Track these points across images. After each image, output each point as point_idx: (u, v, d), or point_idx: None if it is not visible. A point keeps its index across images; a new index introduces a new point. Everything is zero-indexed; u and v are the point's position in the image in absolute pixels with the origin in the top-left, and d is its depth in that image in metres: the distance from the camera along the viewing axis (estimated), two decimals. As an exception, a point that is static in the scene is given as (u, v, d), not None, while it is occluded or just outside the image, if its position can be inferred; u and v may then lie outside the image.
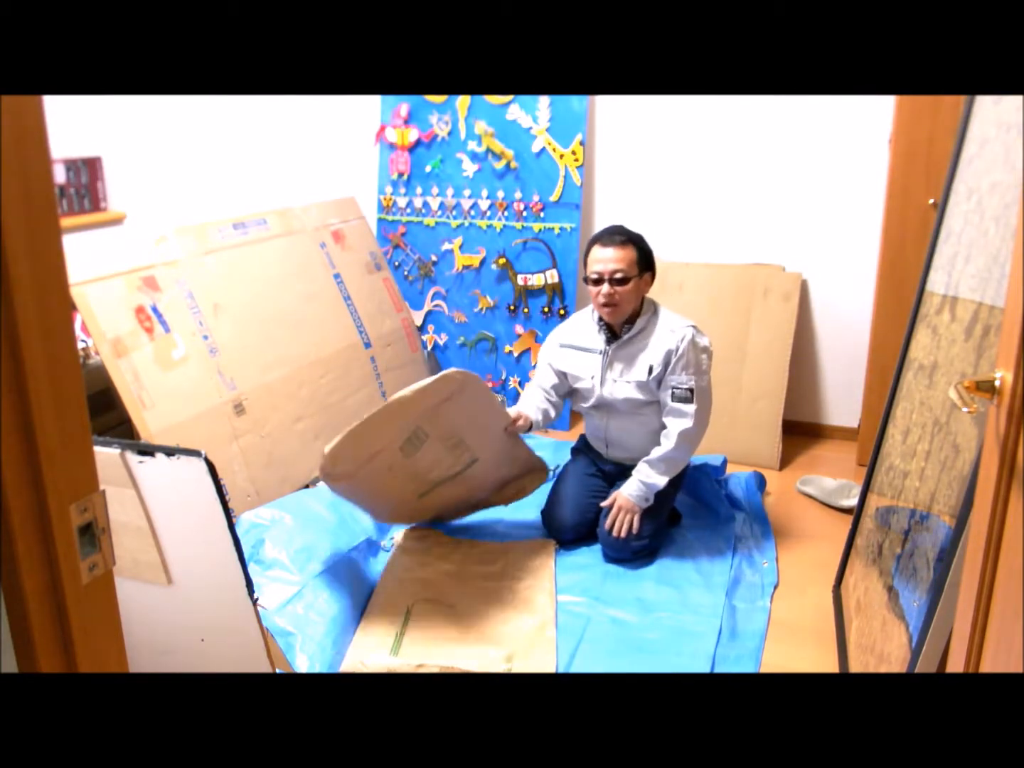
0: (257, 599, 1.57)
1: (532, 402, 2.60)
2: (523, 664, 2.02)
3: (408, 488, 2.41)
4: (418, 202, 3.72)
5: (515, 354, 3.65)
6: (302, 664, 1.96)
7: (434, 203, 3.69)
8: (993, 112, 1.71)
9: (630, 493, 2.44)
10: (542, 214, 3.49)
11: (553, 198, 3.46)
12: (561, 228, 3.45)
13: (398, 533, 2.60)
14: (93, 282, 2.40)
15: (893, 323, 2.90)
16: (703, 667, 2.02)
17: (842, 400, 3.40)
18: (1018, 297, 1.02)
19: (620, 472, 2.59)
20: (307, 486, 2.86)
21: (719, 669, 2.03)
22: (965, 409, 1.10)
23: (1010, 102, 1.59)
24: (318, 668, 1.97)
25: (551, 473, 2.74)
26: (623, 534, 2.42)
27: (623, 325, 2.50)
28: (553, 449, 3.12)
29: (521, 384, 3.63)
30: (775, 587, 2.38)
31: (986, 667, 1.10)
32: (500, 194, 3.55)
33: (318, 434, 3.00)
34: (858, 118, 3.10)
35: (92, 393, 2.63)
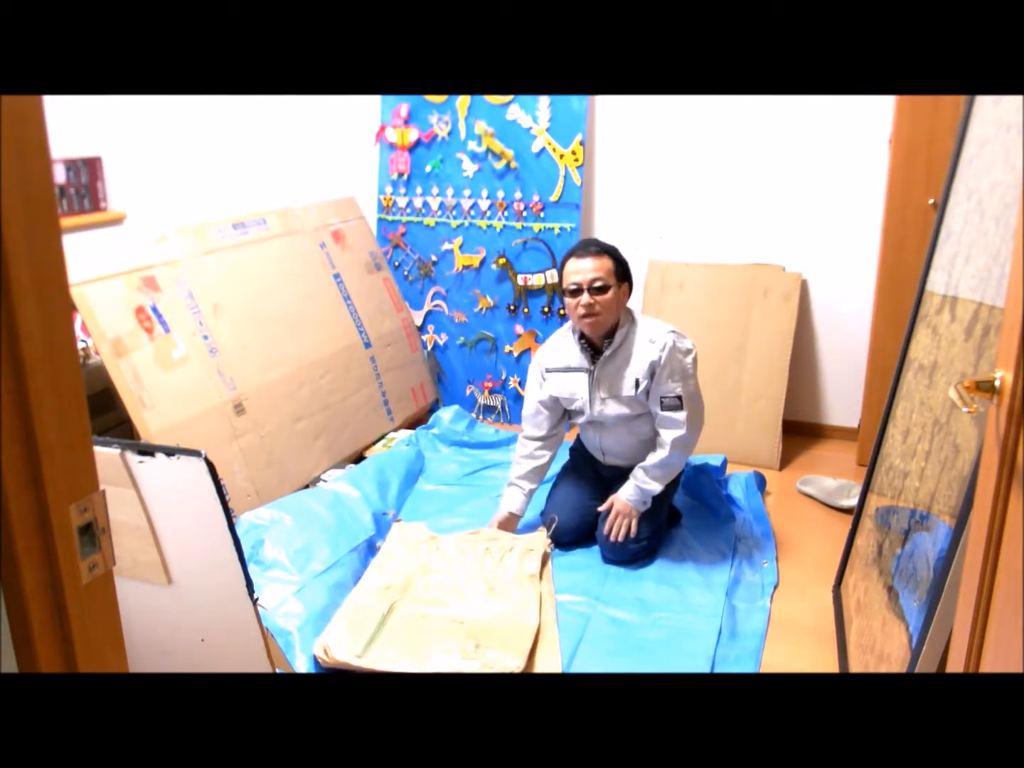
0: (257, 599, 1.57)
1: (514, 482, 2.59)
2: (507, 661, 1.97)
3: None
4: (418, 202, 3.72)
5: (515, 354, 3.65)
6: (302, 664, 1.97)
7: (434, 203, 3.69)
8: (993, 112, 1.71)
9: (627, 498, 2.44)
10: (542, 214, 3.49)
11: (553, 198, 3.46)
12: (561, 228, 3.45)
13: (388, 533, 2.59)
14: (93, 282, 2.40)
15: (893, 323, 2.90)
16: (703, 667, 2.02)
17: (842, 400, 3.40)
18: (1018, 297, 1.02)
19: (619, 475, 2.58)
20: (307, 486, 2.86)
21: (719, 669, 2.03)
22: (965, 409, 1.10)
23: (1010, 102, 1.59)
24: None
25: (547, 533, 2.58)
26: (621, 538, 2.42)
27: (604, 339, 2.44)
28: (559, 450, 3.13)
29: (521, 384, 3.63)
30: (775, 587, 2.38)
31: (986, 667, 1.10)
32: (500, 194, 3.55)
33: (318, 434, 3.00)
34: (858, 118, 3.10)
35: (92, 393, 2.63)
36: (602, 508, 2.49)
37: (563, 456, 2.85)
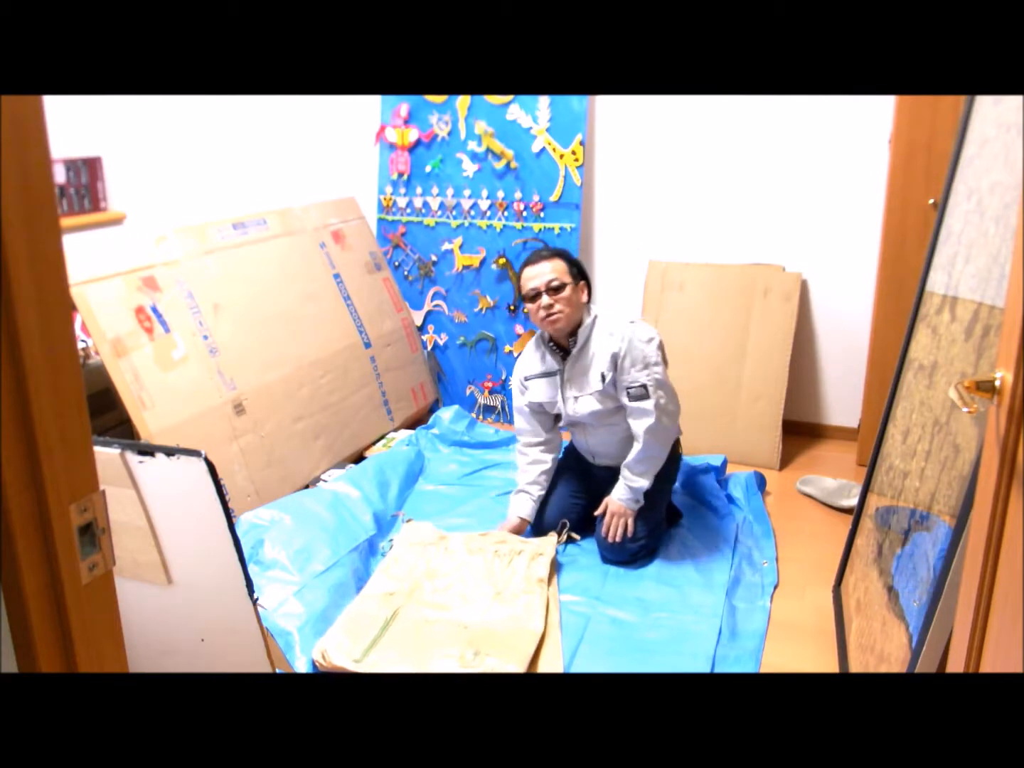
0: (257, 599, 1.57)
1: (521, 488, 2.61)
2: (504, 663, 1.97)
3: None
4: (418, 202, 3.72)
5: (515, 354, 3.65)
6: (302, 664, 1.97)
7: (434, 203, 3.69)
8: (993, 112, 1.71)
9: (619, 498, 2.44)
10: (542, 214, 3.49)
11: (553, 198, 3.45)
12: (561, 228, 3.45)
13: (396, 535, 2.59)
14: (93, 282, 2.40)
15: (893, 323, 2.90)
16: (703, 667, 2.02)
17: (842, 400, 3.40)
18: (1018, 297, 1.02)
19: (611, 476, 2.58)
20: (307, 486, 2.86)
21: (719, 669, 2.03)
22: (965, 409, 1.10)
23: (1010, 102, 1.59)
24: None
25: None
26: (619, 539, 2.42)
27: (569, 339, 2.48)
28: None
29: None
30: (775, 587, 2.38)
31: (986, 667, 1.10)
32: (500, 194, 3.55)
33: (318, 434, 3.00)
34: (858, 118, 3.10)
35: (92, 393, 2.63)
36: (597, 512, 2.49)
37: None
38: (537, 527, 2.60)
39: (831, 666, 2.04)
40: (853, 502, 2.72)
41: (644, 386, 2.39)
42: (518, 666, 1.96)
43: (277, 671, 1.71)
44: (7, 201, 0.67)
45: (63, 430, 0.75)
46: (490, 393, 3.74)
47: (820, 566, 2.47)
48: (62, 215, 3.46)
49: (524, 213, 3.51)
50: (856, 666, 1.91)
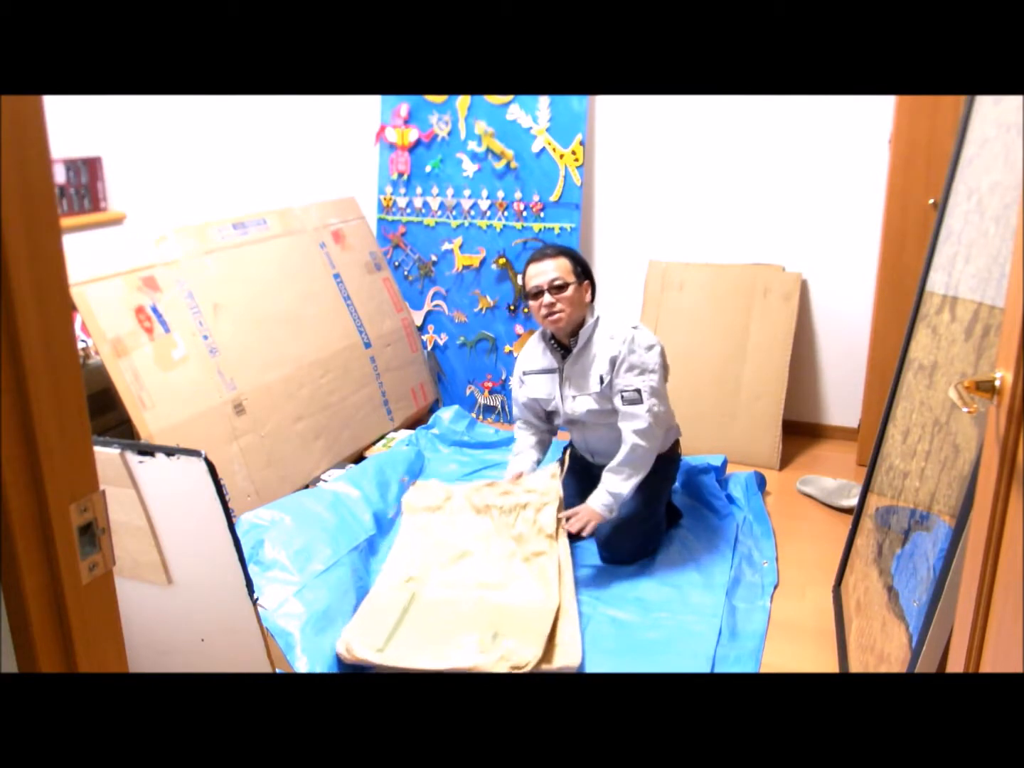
0: (257, 599, 1.56)
1: (522, 450, 2.64)
2: (524, 652, 1.97)
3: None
4: (418, 202, 3.72)
5: (515, 354, 3.65)
6: (302, 664, 1.96)
7: (434, 203, 3.69)
8: (993, 112, 1.71)
9: (596, 503, 2.39)
10: (542, 214, 3.49)
11: (553, 198, 3.46)
12: (561, 228, 3.45)
13: (405, 496, 2.59)
14: (93, 282, 2.40)
15: (893, 323, 2.90)
16: (703, 667, 2.02)
17: (842, 400, 3.40)
18: (1018, 297, 1.02)
19: None
20: (307, 486, 2.86)
21: (719, 669, 2.03)
22: (965, 409, 1.10)
23: (1010, 102, 1.59)
24: (318, 668, 1.97)
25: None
26: (574, 530, 2.36)
27: (570, 338, 2.49)
28: (553, 448, 3.12)
29: (521, 384, 3.64)
30: (775, 587, 2.38)
31: (986, 667, 1.10)
32: (500, 194, 3.55)
33: (318, 434, 3.00)
34: (858, 118, 3.10)
35: (92, 393, 2.63)
36: (568, 513, 2.42)
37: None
38: None
39: (831, 666, 2.04)
40: (853, 502, 2.72)
41: (638, 391, 2.38)
42: (535, 647, 1.97)
43: (277, 671, 1.71)
44: (7, 201, 0.67)
45: (63, 430, 0.75)
46: (490, 393, 3.74)
47: (820, 566, 2.47)
48: (62, 215, 3.46)
49: (524, 213, 3.51)
50: (856, 666, 1.91)
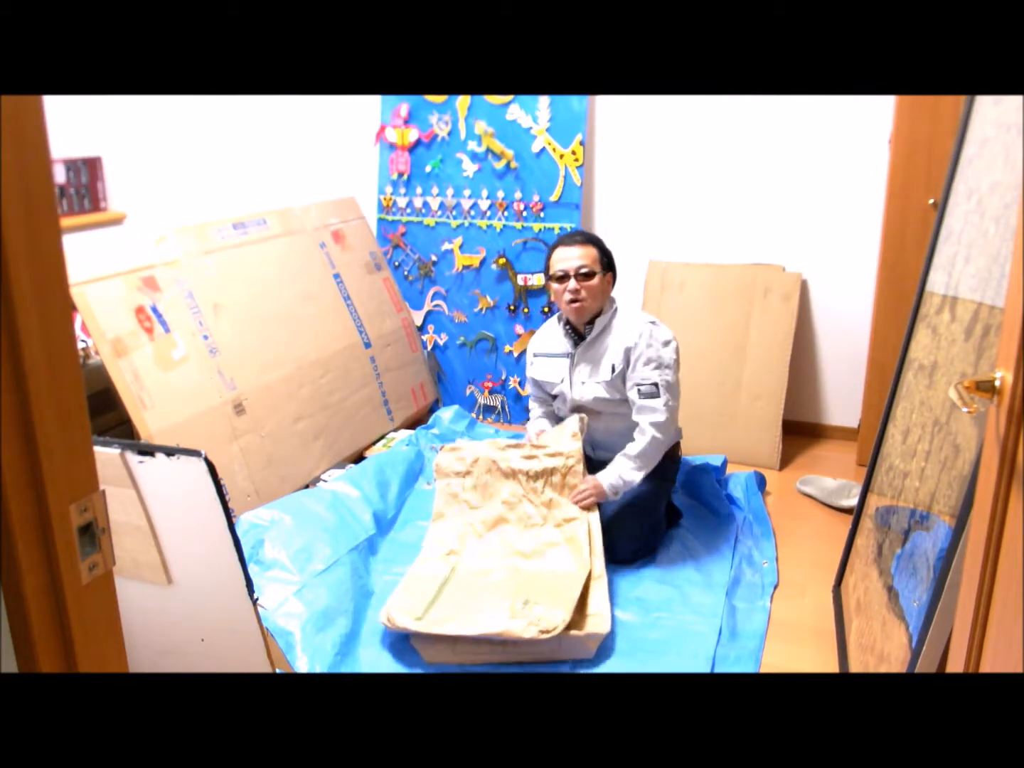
0: (257, 599, 1.56)
1: (537, 417, 2.71)
2: (553, 617, 2.02)
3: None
4: (418, 202, 3.72)
5: (515, 354, 3.65)
6: (302, 664, 1.97)
7: (434, 203, 3.69)
8: (993, 112, 1.71)
9: (606, 481, 2.40)
10: (542, 214, 3.49)
11: (553, 198, 3.45)
12: (561, 228, 3.45)
13: (436, 459, 2.60)
14: (93, 282, 2.40)
15: (893, 323, 2.90)
16: (703, 667, 2.02)
17: (842, 400, 3.40)
18: (1018, 297, 1.02)
19: None
20: (307, 486, 2.86)
21: (719, 669, 2.03)
22: (965, 409, 1.10)
23: (1010, 102, 1.59)
24: (318, 668, 1.97)
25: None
26: (583, 505, 2.37)
27: (586, 326, 2.54)
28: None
29: (521, 384, 3.64)
30: (775, 587, 2.38)
31: (986, 667, 1.10)
32: (500, 194, 3.55)
33: (318, 434, 3.00)
34: (858, 118, 3.10)
35: (92, 393, 2.63)
36: (580, 485, 2.41)
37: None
38: None
39: (831, 666, 2.04)
40: (853, 502, 2.72)
41: (655, 384, 2.42)
42: (563, 611, 2.01)
43: (277, 671, 1.71)
44: (7, 201, 0.67)
45: (63, 430, 0.75)
46: (490, 393, 3.74)
47: (820, 566, 2.47)
48: (62, 215, 3.46)
49: (524, 213, 3.51)
50: (856, 666, 1.91)
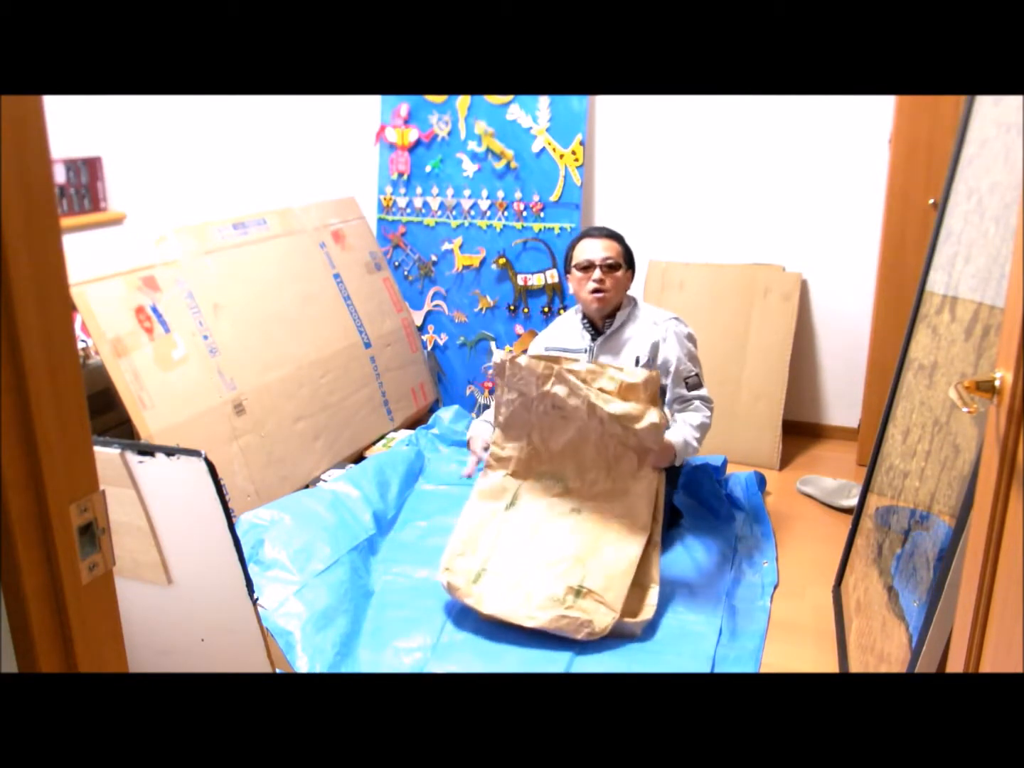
0: (257, 599, 1.56)
1: (490, 419, 2.56)
2: (600, 617, 2.07)
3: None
4: (418, 202, 3.72)
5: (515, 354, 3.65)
6: (302, 664, 1.97)
7: (434, 203, 3.69)
8: (993, 112, 1.71)
9: (677, 442, 2.31)
10: (542, 214, 3.49)
11: (553, 198, 3.46)
12: (561, 228, 3.45)
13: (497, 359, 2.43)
14: (93, 282, 2.40)
15: (893, 323, 2.90)
16: (703, 667, 2.02)
17: (842, 400, 3.40)
18: (1018, 297, 1.02)
19: None
20: (307, 486, 2.86)
21: (719, 669, 2.03)
22: (965, 409, 1.10)
23: (1010, 102, 1.59)
24: (318, 668, 1.97)
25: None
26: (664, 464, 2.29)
27: (605, 320, 2.56)
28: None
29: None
30: (775, 587, 2.38)
31: (986, 667, 1.10)
32: (500, 194, 3.55)
33: (318, 434, 3.00)
34: (858, 118, 3.10)
35: (92, 393, 2.63)
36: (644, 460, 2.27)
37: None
38: None
39: (831, 666, 2.04)
40: (853, 502, 2.72)
41: (698, 375, 2.50)
42: (614, 610, 2.09)
43: (277, 671, 1.71)
44: (7, 201, 0.67)
45: (63, 430, 0.75)
46: (490, 393, 3.74)
47: (820, 566, 2.47)
48: (62, 215, 3.46)
49: (524, 213, 3.51)
50: (856, 666, 1.91)
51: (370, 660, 2.06)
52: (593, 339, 2.57)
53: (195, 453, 1.43)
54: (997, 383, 1.07)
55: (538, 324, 3.57)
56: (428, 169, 3.66)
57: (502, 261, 3.58)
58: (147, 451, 1.45)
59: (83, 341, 2.65)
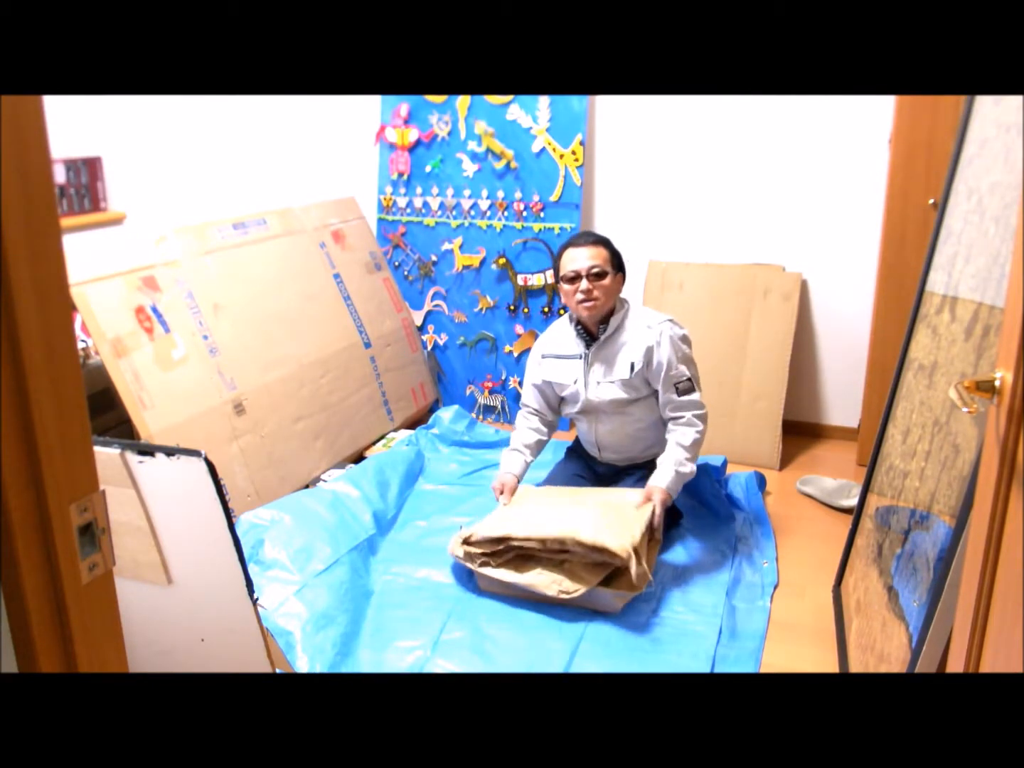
0: (257, 599, 1.56)
1: (516, 447, 2.59)
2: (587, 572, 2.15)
3: None
4: (418, 202, 3.72)
5: (515, 354, 3.65)
6: (302, 664, 1.97)
7: (434, 203, 3.69)
8: (993, 112, 1.71)
9: (667, 485, 2.34)
10: (542, 214, 3.49)
11: (553, 198, 3.45)
12: (561, 228, 3.45)
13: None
14: (93, 282, 2.40)
15: (893, 323, 2.90)
16: (703, 667, 2.02)
17: (842, 400, 3.40)
18: (1018, 297, 1.02)
19: (613, 473, 2.60)
20: (307, 486, 2.86)
21: (719, 669, 2.03)
22: (965, 409, 1.10)
23: (1010, 102, 1.59)
24: (318, 668, 1.97)
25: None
26: (659, 519, 2.31)
27: (599, 326, 2.53)
28: (552, 449, 3.12)
29: (521, 384, 3.63)
30: (775, 587, 2.38)
31: (986, 667, 1.10)
32: (500, 194, 3.55)
33: (318, 434, 3.00)
34: (858, 118, 3.10)
35: (92, 393, 2.63)
36: (641, 503, 2.35)
37: (562, 455, 2.86)
38: None
39: (831, 666, 2.04)
40: (853, 502, 2.72)
41: (690, 379, 2.47)
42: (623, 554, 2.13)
43: (277, 671, 1.71)
44: (7, 201, 0.67)
45: (63, 430, 0.75)
46: (490, 393, 3.74)
47: (820, 566, 2.47)
48: (62, 215, 3.46)
49: (524, 213, 3.51)
50: (856, 666, 1.91)
51: (370, 660, 2.06)
52: (587, 346, 2.55)
53: (195, 453, 1.43)
54: (997, 383, 1.07)
55: (538, 324, 3.57)
56: (428, 169, 3.66)
57: (502, 261, 3.58)
58: (147, 451, 1.45)
59: (83, 341, 2.65)
